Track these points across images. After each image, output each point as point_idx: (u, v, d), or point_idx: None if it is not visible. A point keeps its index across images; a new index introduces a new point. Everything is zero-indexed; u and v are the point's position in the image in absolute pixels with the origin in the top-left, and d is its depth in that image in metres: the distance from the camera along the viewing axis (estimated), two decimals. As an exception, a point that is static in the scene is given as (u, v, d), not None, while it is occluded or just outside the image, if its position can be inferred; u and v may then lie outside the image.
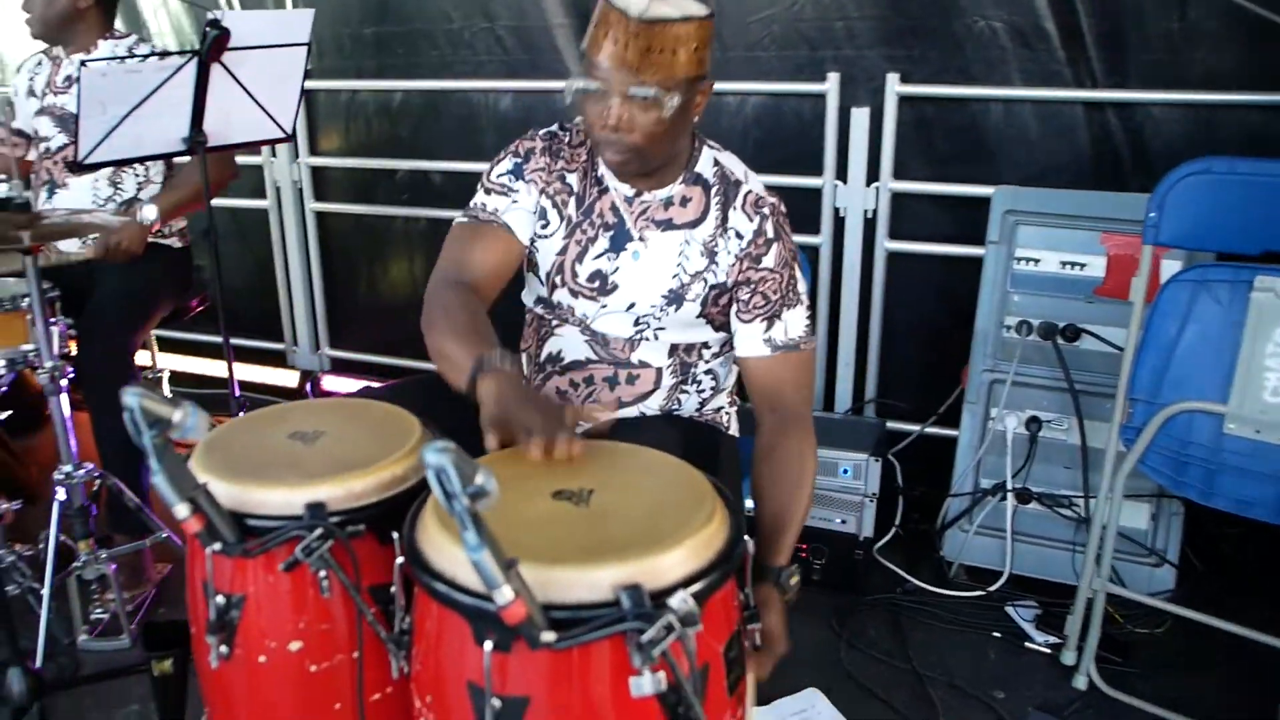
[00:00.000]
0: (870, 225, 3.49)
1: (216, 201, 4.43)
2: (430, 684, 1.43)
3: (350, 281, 4.59)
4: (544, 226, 2.07)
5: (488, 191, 2.07)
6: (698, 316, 2.05)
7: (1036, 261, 3.04)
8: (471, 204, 2.08)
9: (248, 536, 1.55)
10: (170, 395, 1.51)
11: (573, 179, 2.07)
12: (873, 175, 3.43)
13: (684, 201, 2.04)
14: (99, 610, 2.95)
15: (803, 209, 3.50)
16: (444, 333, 1.86)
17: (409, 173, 4.27)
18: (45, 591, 2.76)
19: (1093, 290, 2.97)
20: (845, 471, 3.05)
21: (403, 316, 4.48)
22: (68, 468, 2.79)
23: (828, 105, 3.42)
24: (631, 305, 2.06)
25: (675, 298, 2.03)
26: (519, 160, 2.07)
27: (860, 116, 3.39)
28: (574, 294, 2.08)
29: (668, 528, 1.38)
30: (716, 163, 2.06)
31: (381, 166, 4.32)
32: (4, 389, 3.05)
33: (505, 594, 1.19)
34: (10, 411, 3.07)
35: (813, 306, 3.47)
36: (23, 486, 3.38)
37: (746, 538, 1.48)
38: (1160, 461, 2.46)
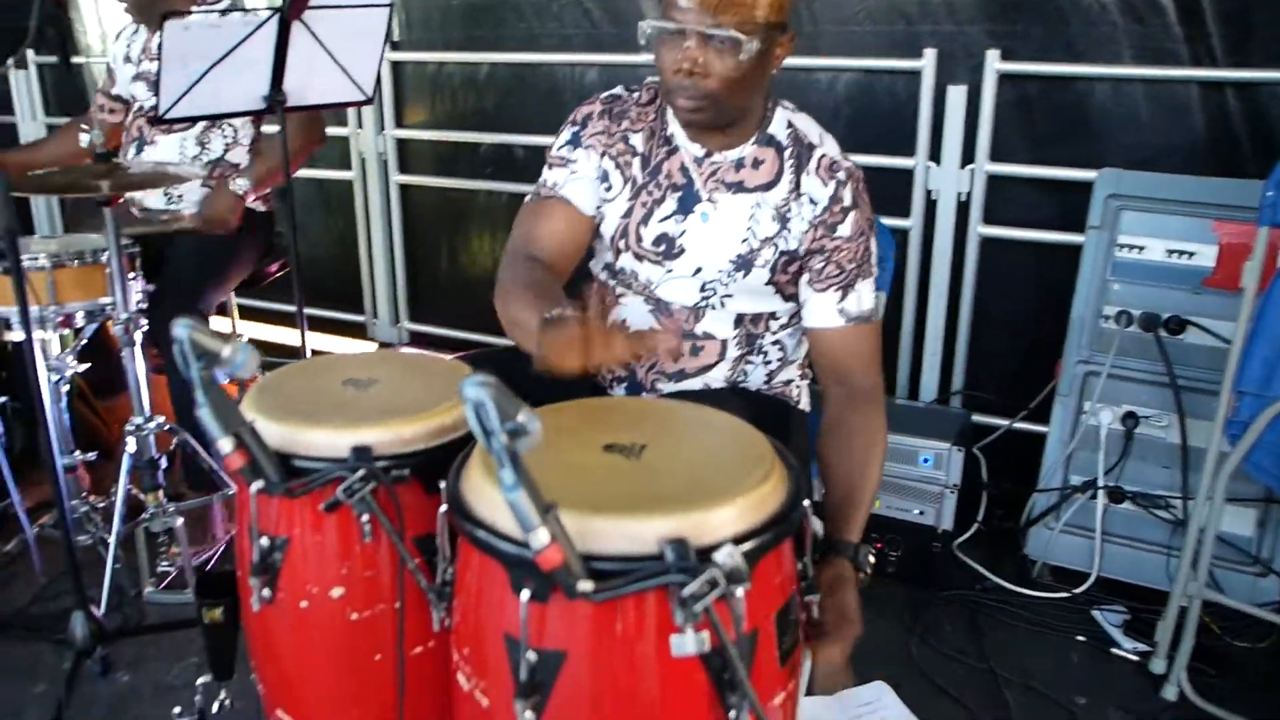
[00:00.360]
0: (964, 209, 3.35)
1: (303, 172, 4.49)
2: (468, 636, 1.37)
3: (431, 255, 4.58)
4: (607, 190, 2.00)
5: (550, 166, 2.02)
6: (766, 284, 1.96)
7: (1141, 249, 2.89)
8: (539, 181, 2.03)
9: (292, 477, 1.50)
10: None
11: (637, 139, 1.99)
12: (968, 157, 3.30)
13: (756, 163, 1.95)
14: (165, 564, 2.95)
15: (893, 191, 3.42)
16: (515, 301, 1.80)
17: (493, 146, 4.24)
18: (112, 541, 2.78)
19: (1200, 281, 2.80)
20: (926, 461, 2.92)
21: (483, 291, 4.42)
22: (139, 420, 2.80)
23: (923, 83, 3.30)
24: (698, 270, 1.98)
25: (744, 263, 1.95)
26: (576, 128, 2.01)
27: (957, 95, 3.26)
28: (639, 258, 2.01)
29: (719, 484, 1.30)
30: (790, 124, 1.97)
31: (466, 140, 4.30)
32: (84, 341, 3.07)
33: (541, 537, 1.12)
34: (90, 365, 3.08)
35: (899, 292, 3.42)
36: (103, 442, 3.42)
37: (807, 503, 1.39)
38: (1268, 460, 2.30)
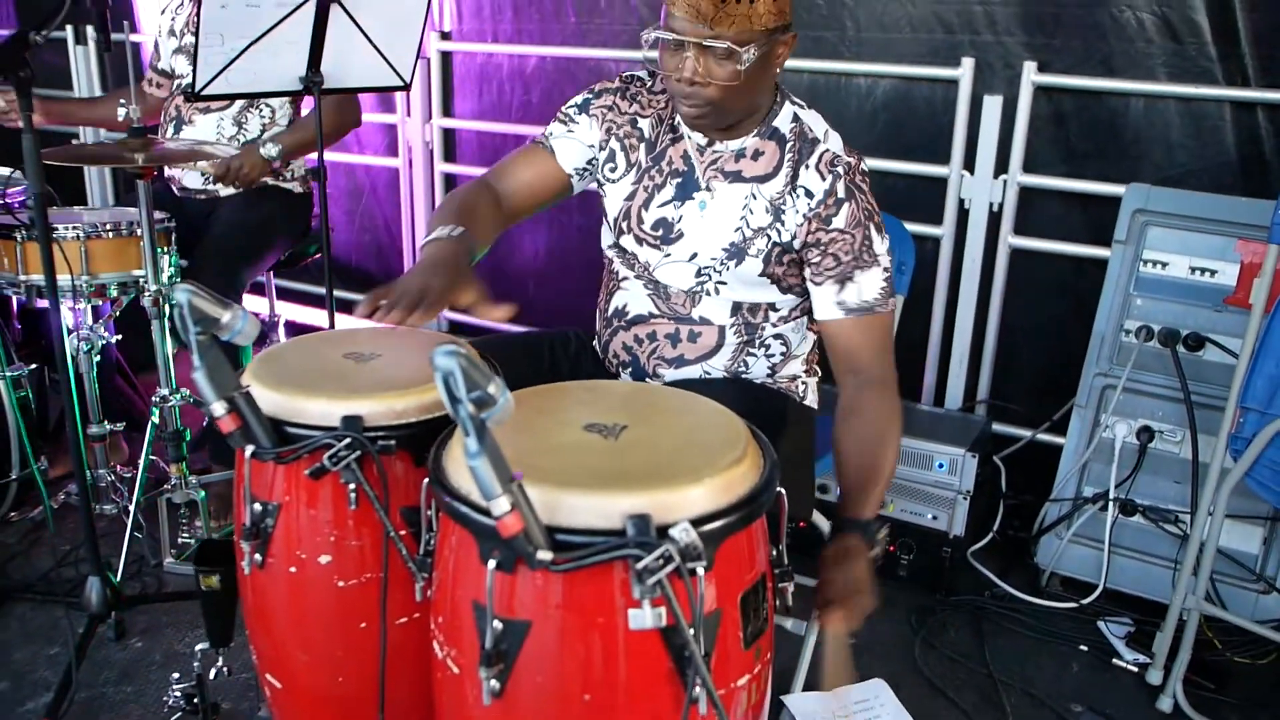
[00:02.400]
0: (995, 219, 3.35)
1: (350, 158, 4.58)
2: (443, 604, 1.41)
3: (473, 245, 4.62)
4: (612, 170, 2.07)
5: (555, 120, 2.12)
6: (760, 274, 1.99)
7: (1164, 265, 2.88)
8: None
9: (284, 444, 1.55)
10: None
11: (645, 124, 2.05)
12: (1001, 167, 3.30)
13: (755, 155, 1.99)
14: (186, 535, 3.03)
15: (926, 198, 3.43)
16: (436, 213, 1.95)
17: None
18: (131, 508, 2.86)
19: (1222, 299, 2.79)
20: (940, 466, 2.93)
21: (521, 282, 4.53)
22: (164, 391, 2.86)
23: (960, 92, 3.30)
24: (694, 255, 2.02)
25: (737, 251, 1.99)
26: (589, 96, 2.11)
27: (993, 105, 3.26)
28: (639, 240, 2.06)
29: (690, 464, 1.33)
30: (796, 119, 2.00)
31: (511, 131, 4.34)
32: (118, 313, 3.15)
33: (502, 505, 1.17)
34: (125, 338, 3.16)
35: (928, 298, 3.42)
36: (136, 415, 3.50)
37: (782, 490, 1.42)
38: (1270, 476, 2.29)
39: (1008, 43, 3.26)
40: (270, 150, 3.22)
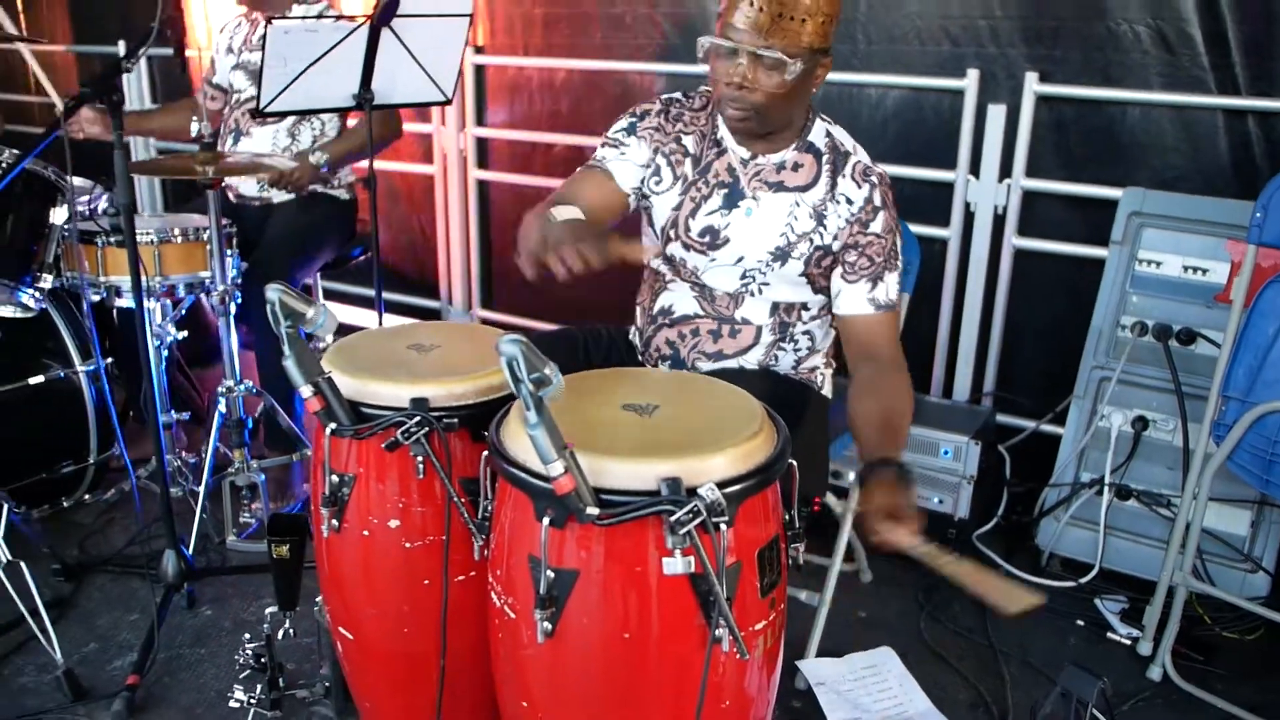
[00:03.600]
0: (1000, 221, 3.55)
1: (389, 165, 4.81)
2: (500, 559, 1.64)
3: (505, 247, 4.85)
4: (658, 183, 2.27)
5: (604, 145, 2.29)
6: (800, 275, 2.21)
7: (1158, 264, 3.07)
8: (592, 156, 2.31)
9: (360, 422, 1.78)
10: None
11: (689, 141, 2.26)
12: (1005, 172, 3.49)
13: (796, 167, 2.21)
14: (246, 515, 3.27)
15: (934, 202, 3.62)
16: (529, 222, 1.96)
17: (567, 146, 4.49)
18: (201, 492, 3.09)
19: (1213, 296, 2.98)
20: (946, 453, 3.14)
21: (552, 282, 4.73)
22: (230, 382, 3.11)
23: (965, 101, 3.49)
24: (740, 259, 2.23)
25: (781, 255, 2.20)
26: (634, 119, 2.29)
27: (997, 114, 3.45)
28: (686, 247, 2.26)
29: (714, 437, 1.56)
30: (828, 134, 2.23)
31: (541, 140, 4.56)
32: (183, 313, 3.40)
33: (557, 468, 1.39)
34: (186, 333, 3.41)
35: (936, 296, 3.63)
36: (195, 406, 3.75)
37: (793, 461, 1.64)
38: (1249, 460, 2.49)
39: (1011, 55, 3.45)
40: (319, 158, 3.46)
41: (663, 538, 1.43)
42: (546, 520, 1.48)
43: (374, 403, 1.80)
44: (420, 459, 1.75)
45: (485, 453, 1.66)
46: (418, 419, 1.72)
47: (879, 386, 2.11)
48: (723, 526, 1.43)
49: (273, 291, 1.68)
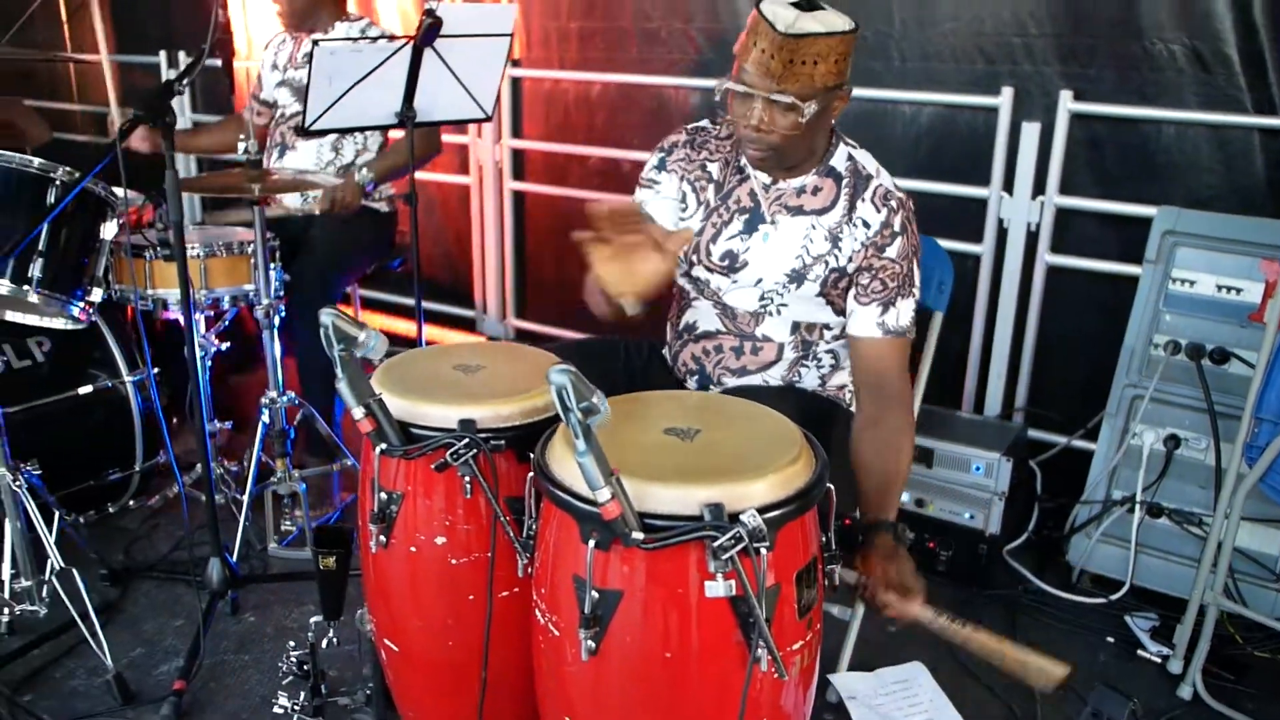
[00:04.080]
0: (1033, 238, 3.57)
1: (426, 175, 4.87)
2: (545, 578, 1.68)
3: (539, 257, 4.93)
4: (684, 210, 2.33)
5: (639, 187, 2.37)
6: (817, 295, 2.25)
7: (1192, 283, 3.08)
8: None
9: (409, 441, 1.84)
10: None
11: (714, 167, 2.32)
12: (1039, 189, 3.52)
13: (815, 191, 2.25)
14: (288, 523, 3.34)
15: (967, 218, 3.65)
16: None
17: (601, 159, 4.55)
18: (245, 500, 3.16)
19: (1247, 316, 2.99)
20: (977, 469, 3.16)
21: (573, 288, 4.79)
22: (273, 393, 3.17)
23: (999, 119, 3.52)
24: (758, 281, 2.28)
25: (797, 276, 2.24)
26: (663, 155, 2.36)
27: (1031, 131, 3.48)
28: (708, 270, 2.32)
29: (755, 463, 1.60)
30: (850, 158, 2.26)
31: (576, 152, 4.62)
32: (226, 324, 3.47)
33: (604, 494, 1.43)
34: (229, 344, 3.48)
35: (969, 312, 3.65)
36: (232, 416, 3.81)
37: (830, 486, 1.68)
38: (1281, 481, 2.51)
39: (1045, 73, 3.47)
40: (365, 176, 3.53)
41: (705, 561, 1.48)
42: (592, 542, 1.53)
43: (423, 423, 1.85)
44: (467, 479, 1.80)
45: (531, 473, 1.71)
46: (466, 440, 1.77)
47: (880, 432, 2.16)
48: (763, 550, 1.47)
49: (326, 316, 1.74)
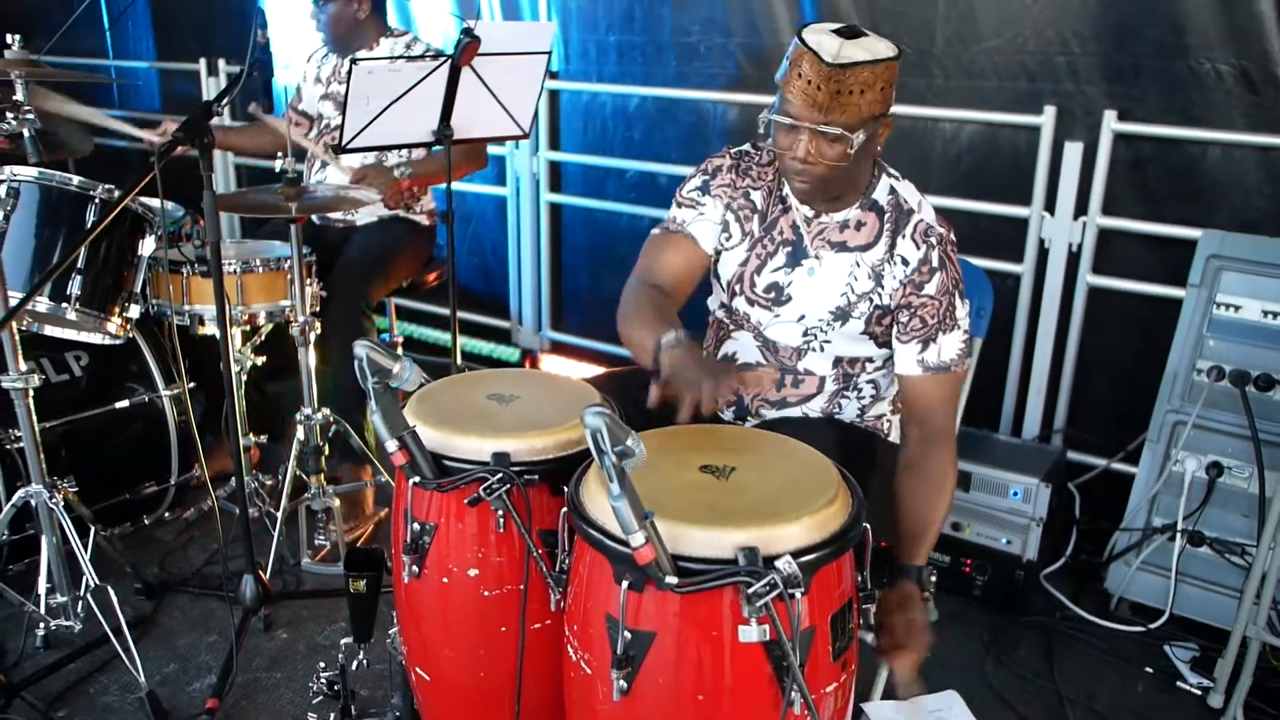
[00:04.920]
0: (1074, 259, 3.53)
1: (462, 186, 4.88)
2: (578, 616, 1.67)
3: (575, 270, 4.92)
4: (727, 239, 2.29)
5: (679, 205, 2.32)
6: (861, 333, 2.22)
7: (1237, 308, 3.04)
8: (666, 217, 2.34)
9: (443, 474, 1.83)
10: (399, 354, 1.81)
11: (757, 196, 2.28)
12: (1081, 209, 3.47)
13: (859, 226, 2.21)
14: (321, 538, 3.35)
15: (1007, 238, 3.61)
16: (633, 322, 2.12)
17: (638, 172, 4.54)
18: (279, 516, 3.17)
19: (1293, 342, 2.95)
20: (1015, 494, 3.13)
21: (609, 314, 4.78)
22: (307, 410, 3.18)
23: (1041, 138, 3.48)
24: (802, 317, 2.25)
25: (842, 314, 2.21)
26: (707, 177, 2.31)
27: (1073, 151, 3.43)
28: (750, 302, 2.29)
29: (791, 504, 1.58)
30: (893, 190, 2.22)
31: (613, 165, 4.61)
32: (262, 339, 3.48)
33: (638, 539, 1.42)
34: (265, 358, 3.49)
35: (1008, 333, 3.61)
36: (270, 426, 3.83)
37: (866, 525, 1.66)
38: (1328, 515, 2.46)
39: (1089, 92, 3.42)
40: (403, 171, 3.52)
41: (739, 604, 1.46)
42: (625, 583, 1.52)
43: (457, 456, 1.84)
44: (500, 512, 1.79)
45: (564, 509, 1.70)
46: (500, 475, 1.76)
47: (919, 475, 2.12)
48: (798, 595, 1.45)
49: (361, 348, 1.73)
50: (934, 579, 2.05)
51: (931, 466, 2.12)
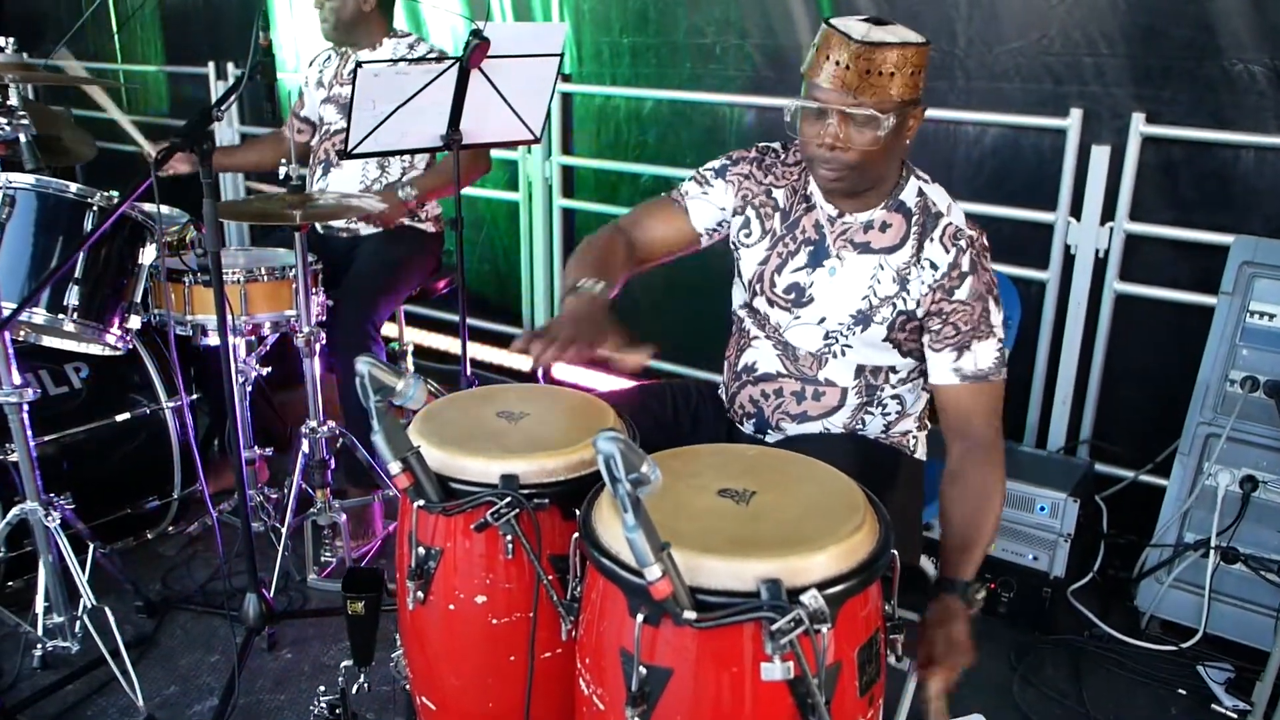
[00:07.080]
0: (1101, 265, 3.43)
1: (473, 192, 4.80)
2: (590, 648, 1.58)
3: (589, 276, 4.81)
4: (747, 236, 2.23)
5: (692, 180, 2.30)
6: (884, 340, 2.13)
7: (1271, 316, 2.94)
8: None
9: (449, 497, 1.74)
10: (411, 367, 1.72)
11: (779, 194, 2.20)
12: (1108, 214, 3.38)
13: (884, 227, 2.12)
14: (328, 554, 3.26)
15: (1032, 243, 3.51)
16: (577, 258, 2.17)
17: (653, 177, 4.44)
18: (284, 531, 3.09)
19: (1330, 352, 2.85)
20: (1042, 509, 3.03)
21: (634, 313, 4.69)
22: (313, 423, 3.10)
23: (1068, 141, 3.38)
24: (823, 319, 2.16)
25: (863, 318, 2.12)
26: (727, 163, 2.27)
27: (1100, 154, 3.34)
28: (770, 303, 2.21)
29: (815, 532, 1.48)
30: (921, 193, 2.13)
31: (627, 169, 4.53)
32: (268, 349, 3.40)
33: (654, 572, 1.33)
34: (270, 369, 3.41)
35: (1033, 341, 3.51)
36: (277, 437, 3.75)
37: (894, 552, 1.56)
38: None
39: (1116, 94, 3.33)
40: (407, 193, 3.45)
41: (760, 639, 1.37)
42: (640, 617, 1.43)
43: (463, 478, 1.75)
44: (509, 538, 1.70)
45: (576, 534, 1.61)
46: (508, 499, 1.67)
47: (963, 488, 2.03)
48: (824, 629, 1.36)
49: (362, 365, 1.65)
50: (981, 595, 1.95)
51: (973, 479, 2.03)
